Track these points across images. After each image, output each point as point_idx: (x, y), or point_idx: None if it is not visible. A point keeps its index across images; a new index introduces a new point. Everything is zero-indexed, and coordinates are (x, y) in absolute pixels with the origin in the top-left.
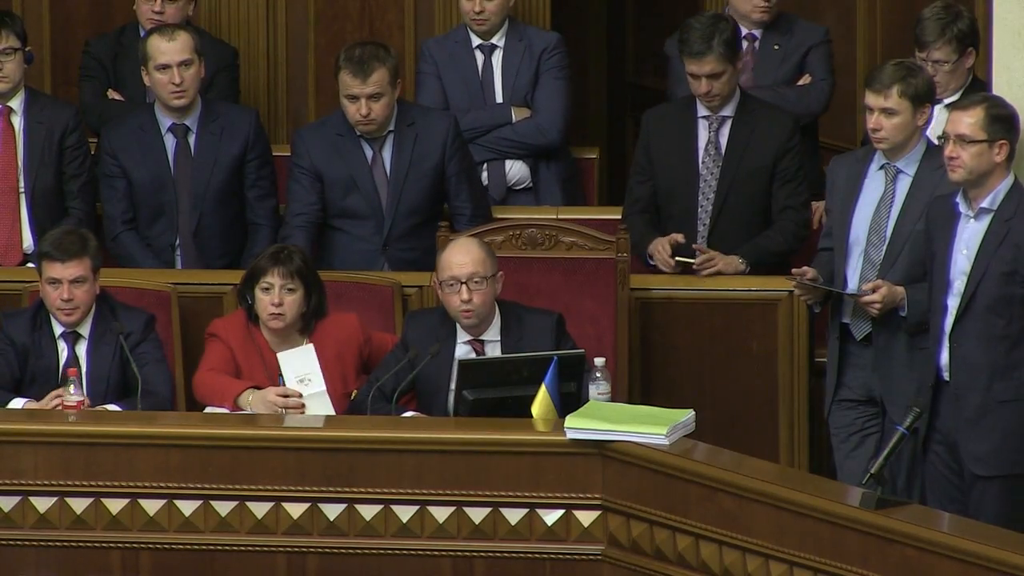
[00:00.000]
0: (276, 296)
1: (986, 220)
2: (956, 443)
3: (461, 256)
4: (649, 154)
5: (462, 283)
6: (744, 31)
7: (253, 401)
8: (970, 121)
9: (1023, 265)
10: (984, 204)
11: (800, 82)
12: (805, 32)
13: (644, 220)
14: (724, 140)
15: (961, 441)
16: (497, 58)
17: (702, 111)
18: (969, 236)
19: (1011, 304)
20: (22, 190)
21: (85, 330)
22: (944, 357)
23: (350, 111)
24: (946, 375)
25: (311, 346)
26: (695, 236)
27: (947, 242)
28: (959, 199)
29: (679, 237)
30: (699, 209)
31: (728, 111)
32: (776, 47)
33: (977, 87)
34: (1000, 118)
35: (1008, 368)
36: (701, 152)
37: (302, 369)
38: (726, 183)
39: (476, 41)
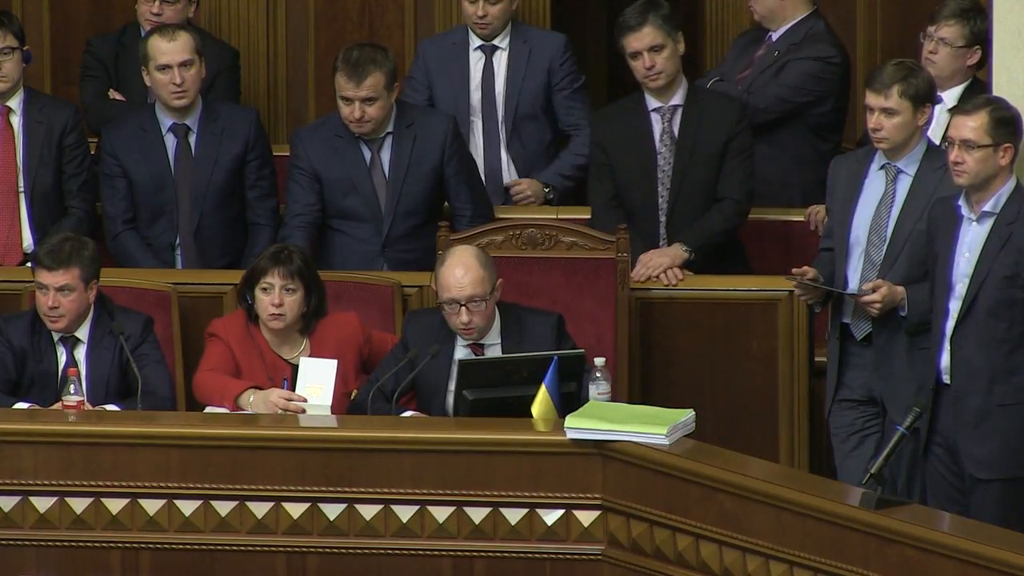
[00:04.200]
0: (276, 296)
1: (988, 223)
2: (956, 446)
3: (459, 276)
4: (606, 153)
5: (461, 305)
6: (768, 34)
7: (254, 401)
8: (974, 126)
9: None
10: (986, 207)
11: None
12: (812, 46)
13: (619, 215)
14: (677, 129)
15: (961, 444)
16: (499, 59)
17: (652, 103)
18: (971, 239)
19: (1012, 308)
20: (22, 190)
21: (83, 334)
22: (945, 360)
23: (344, 113)
24: (946, 378)
25: (335, 362)
26: (657, 227)
27: (949, 245)
28: (961, 202)
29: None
30: (659, 199)
31: (678, 99)
32: (776, 53)
33: (977, 88)
34: (1004, 121)
35: (1008, 372)
36: (657, 143)
37: (317, 380)
38: (680, 170)
39: (476, 42)
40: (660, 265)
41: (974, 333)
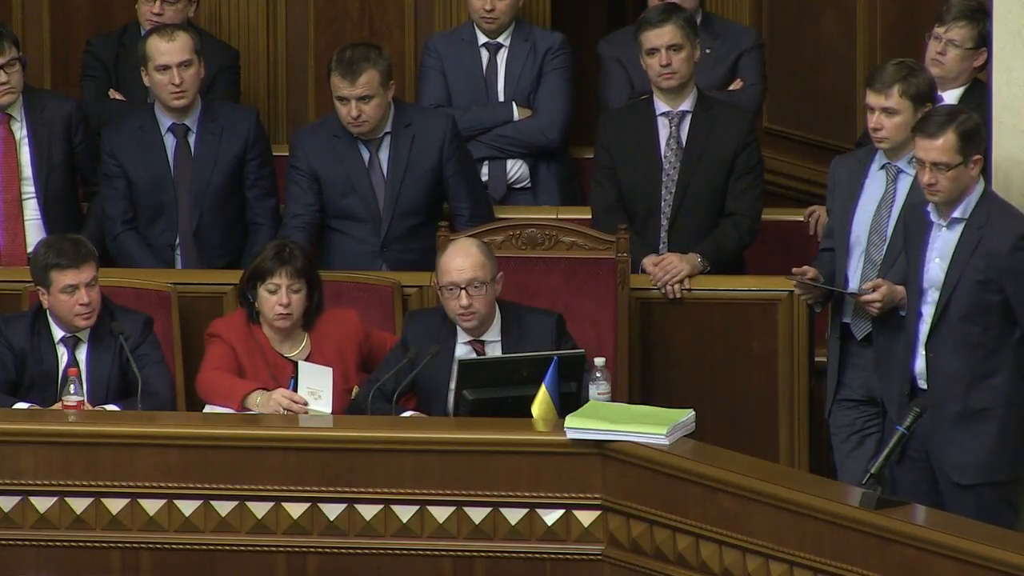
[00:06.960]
0: (284, 296)
1: (958, 229)
2: (930, 451)
3: (460, 261)
4: (611, 156)
5: (461, 288)
6: None
7: (261, 402)
8: (942, 146)
9: (997, 273)
10: (956, 214)
11: (732, 87)
12: (737, 36)
13: (621, 220)
14: (685, 135)
15: (940, 450)
16: (502, 57)
17: (661, 107)
18: (942, 245)
19: (987, 312)
20: (33, 195)
21: (84, 334)
22: (919, 365)
23: (341, 113)
24: (921, 383)
25: (330, 369)
26: (659, 231)
27: (920, 250)
28: (930, 208)
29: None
30: (662, 203)
31: (687, 105)
32: (708, 51)
33: (977, 89)
34: (970, 134)
35: (985, 376)
36: (663, 148)
37: (315, 385)
38: (687, 176)
39: (482, 39)
40: (680, 272)
41: (949, 339)
